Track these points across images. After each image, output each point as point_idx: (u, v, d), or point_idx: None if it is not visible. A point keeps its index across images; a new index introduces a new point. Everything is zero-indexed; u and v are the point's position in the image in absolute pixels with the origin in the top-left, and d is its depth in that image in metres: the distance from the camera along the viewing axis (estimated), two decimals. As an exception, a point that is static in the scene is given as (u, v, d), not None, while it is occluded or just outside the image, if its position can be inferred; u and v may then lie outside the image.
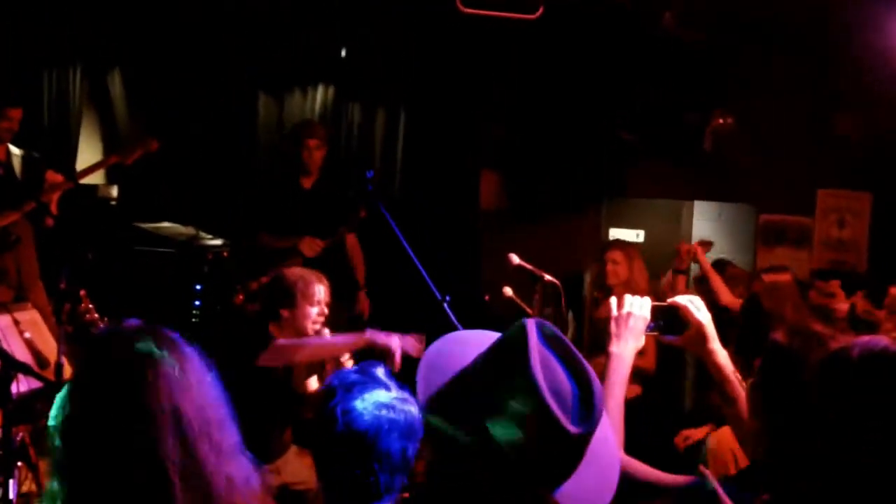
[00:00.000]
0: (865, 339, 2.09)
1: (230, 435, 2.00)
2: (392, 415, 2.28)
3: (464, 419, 2.01)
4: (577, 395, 1.99)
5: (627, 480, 2.38)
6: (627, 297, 2.79)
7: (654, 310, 2.81)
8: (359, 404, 2.28)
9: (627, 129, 8.47)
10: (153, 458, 1.86)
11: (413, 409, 2.32)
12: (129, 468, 1.87)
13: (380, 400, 2.29)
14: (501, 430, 1.95)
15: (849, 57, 7.49)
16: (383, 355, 4.46)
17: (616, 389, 2.71)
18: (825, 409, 2.06)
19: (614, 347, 2.73)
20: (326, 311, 4.95)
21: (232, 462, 1.97)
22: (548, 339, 2.04)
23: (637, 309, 2.75)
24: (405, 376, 2.36)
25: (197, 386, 1.96)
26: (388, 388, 2.34)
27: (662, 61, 7.97)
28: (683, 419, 6.45)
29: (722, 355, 2.85)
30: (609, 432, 2.16)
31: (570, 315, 7.01)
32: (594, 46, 8.03)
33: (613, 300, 2.81)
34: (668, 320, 2.86)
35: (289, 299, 4.86)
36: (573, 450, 1.99)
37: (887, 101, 7.66)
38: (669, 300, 2.90)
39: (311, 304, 4.89)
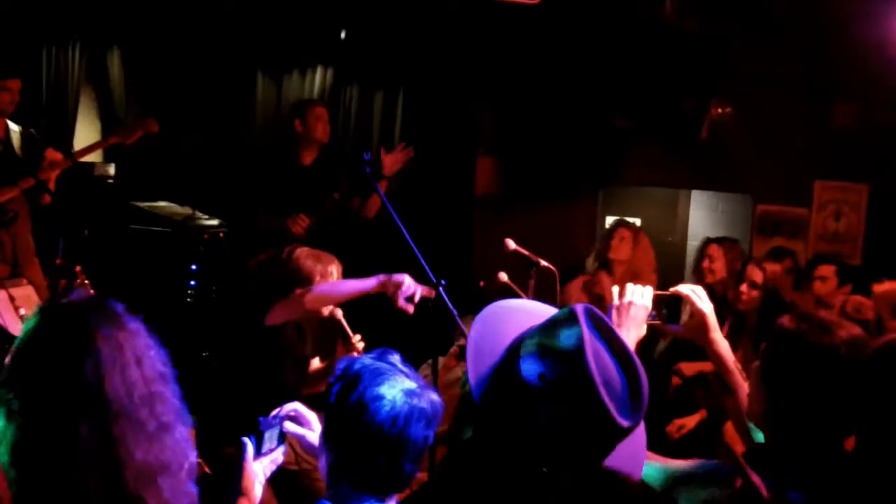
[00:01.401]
0: None
1: (163, 415, 1.98)
2: (420, 403, 2.28)
3: (513, 403, 2.01)
4: (626, 387, 1.99)
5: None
6: (629, 286, 2.78)
7: (657, 299, 2.80)
8: (386, 391, 2.27)
9: (625, 116, 8.47)
10: (62, 432, 1.88)
11: (435, 397, 2.32)
12: (39, 439, 1.88)
13: (407, 387, 2.29)
14: (551, 417, 1.95)
15: (847, 48, 7.48)
16: (395, 299, 4.42)
17: None
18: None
19: None
20: None
21: (155, 444, 1.96)
22: (597, 328, 2.04)
23: (639, 298, 2.74)
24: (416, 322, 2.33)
25: (131, 363, 1.96)
26: (409, 377, 2.34)
27: (660, 49, 7.95)
28: (666, 407, 6.45)
29: (723, 345, 2.87)
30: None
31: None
32: (593, 33, 8.01)
33: (615, 288, 2.80)
34: (669, 309, 2.87)
35: (305, 279, 4.80)
36: (620, 438, 2.00)
37: (885, 92, 7.67)
38: (672, 289, 2.91)
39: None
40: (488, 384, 2.07)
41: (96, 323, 1.95)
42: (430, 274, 4.27)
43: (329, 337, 5.10)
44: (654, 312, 2.78)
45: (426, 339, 4.43)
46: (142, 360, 1.97)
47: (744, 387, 2.82)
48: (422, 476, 3.50)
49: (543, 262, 5.20)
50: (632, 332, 2.69)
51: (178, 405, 2.02)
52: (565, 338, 2.00)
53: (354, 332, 4.84)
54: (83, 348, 1.91)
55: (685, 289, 2.89)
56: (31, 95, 7.37)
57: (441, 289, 4.25)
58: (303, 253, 4.93)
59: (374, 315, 5.18)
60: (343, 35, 8.51)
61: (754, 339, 5.86)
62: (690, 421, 6.14)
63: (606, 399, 1.93)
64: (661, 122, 8.28)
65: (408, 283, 4.39)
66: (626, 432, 1.99)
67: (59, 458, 1.87)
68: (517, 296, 5.20)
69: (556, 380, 1.98)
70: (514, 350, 2.10)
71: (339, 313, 4.79)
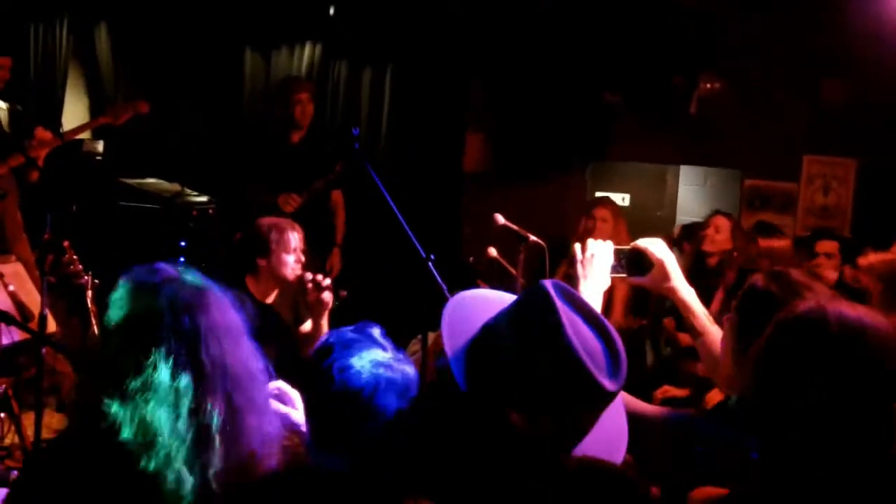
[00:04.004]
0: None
1: (263, 390, 2.02)
2: (389, 373, 2.29)
3: (492, 381, 2.02)
4: (606, 352, 2.01)
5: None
6: (590, 241, 2.87)
7: (618, 253, 2.90)
8: (356, 362, 2.29)
9: (614, 91, 8.46)
10: (198, 411, 1.91)
11: (409, 369, 2.33)
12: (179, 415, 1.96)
13: (377, 358, 2.31)
14: (531, 391, 1.97)
15: (835, 23, 7.48)
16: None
17: None
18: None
19: (582, 289, 2.79)
20: (303, 258, 4.94)
21: (264, 416, 2.00)
22: (568, 300, 2.06)
23: (600, 252, 2.83)
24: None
25: (238, 339, 2.00)
26: (384, 349, 2.35)
27: (650, 24, 7.95)
28: (647, 376, 6.48)
29: (686, 291, 2.96)
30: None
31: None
32: (581, 8, 8.00)
33: (577, 246, 2.86)
34: (631, 262, 2.96)
35: (264, 248, 4.85)
36: (608, 402, 2.02)
37: (873, 67, 7.67)
38: (631, 244, 3.00)
39: (287, 252, 4.86)
40: (466, 362, 2.08)
41: (204, 302, 2.07)
42: (420, 249, 4.28)
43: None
44: (617, 265, 2.89)
45: (416, 314, 4.45)
46: (243, 337, 2.09)
47: (710, 331, 2.94)
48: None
49: (532, 238, 5.19)
50: (598, 284, 2.80)
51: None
52: (539, 312, 2.02)
53: (343, 308, 4.85)
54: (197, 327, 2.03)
55: (643, 242, 2.97)
56: (20, 73, 7.35)
57: (430, 264, 4.26)
58: (261, 222, 4.96)
59: (365, 291, 5.19)
60: (332, 11, 8.48)
61: (727, 296, 5.90)
62: (678, 391, 6.17)
63: (590, 365, 1.94)
64: (650, 97, 8.29)
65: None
66: (612, 395, 2.01)
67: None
68: (506, 271, 5.22)
69: (536, 353, 1.99)
70: (490, 328, 2.11)
71: (308, 276, 4.80)
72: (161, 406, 1.97)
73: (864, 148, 8.20)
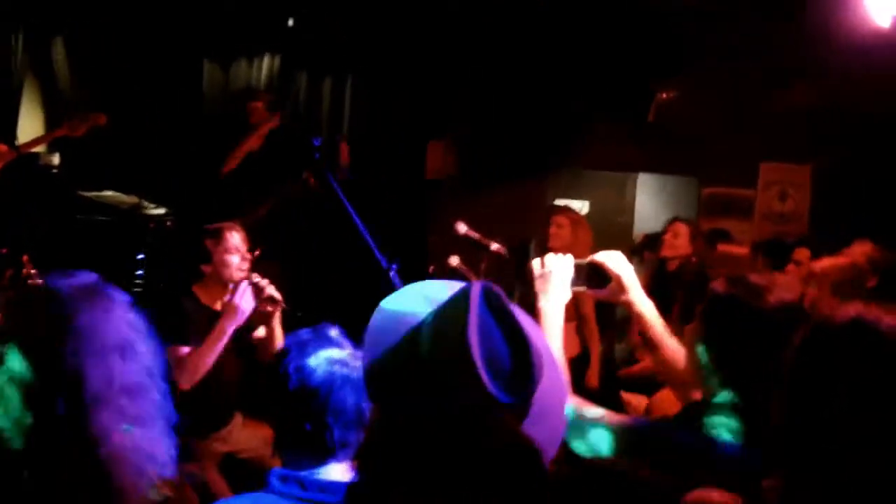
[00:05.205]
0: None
1: (145, 404, 2.00)
2: (345, 370, 2.33)
3: (405, 388, 2.01)
4: (512, 364, 1.98)
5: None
6: (549, 256, 2.92)
7: (577, 267, 2.96)
8: (311, 361, 2.33)
9: (575, 99, 8.50)
10: (42, 405, 1.91)
11: None
12: (29, 404, 1.93)
13: (332, 356, 2.33)
14: (434, 400, 1.95)
15: (791, 31, 7.55)
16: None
17: (552, 342, 2.77)
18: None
19: (543, 303, 2.80)
20: (248, 256, 4.86)
21: (137, 432, 1.98)
22: (491, 305, 2.04)
23: (559, 266, 2.88)
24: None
25: (114, 352, 1.98)
26: (341, 347, 2.38)
27: (612, 32, 7.99)
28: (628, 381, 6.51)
29: (643, 303, 3.00)
30: (561, 387, 2.17)
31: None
32: (543, 16, 8.03)
33: (536, 260, 2.89)
34: (591, 276, 3.00)
35: (204, 254, 4.80)
36: (509, 418, 1.99)
37: (829, 74, 7.75)
38: (589, 258, 3.03)
39: (229, 252, 4.80)
40: (383, 363, 2.07)
41: (81, 309, 1.99)
42: (382, 259, 4.28)
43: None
44: (578, 279, 2.95)
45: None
46: (126, 352, 1.99)
47: (666, 343, 2.97)
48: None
49: (494, 246, 5.22)
50: (559, 298, 2.86)
51: (161, 400, 2.05)
52: (456, 314, 2.01)
53: (308, 315, 4.81)
54: (63, 331, 1.96)
55: (601, 256, 3.01)
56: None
57: (393, 273, 4.26)
58: (200, 229, 4.93)
59: (328, 299, 5.17)
60: (290, 22, 8.46)
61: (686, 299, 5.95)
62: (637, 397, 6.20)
63: (482, 370, 1.91)
64: (611, 105, 8.34)
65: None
66: (513, 409, 1.98)
67: (41, 428, 1.93)
68: (468, 280, 5.22)
69: (437, 351, 1.98)
70: (413, 329, 2.10)
71: (252, 280, 4.75)
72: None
73: (820, 153, 8.28)
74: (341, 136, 7.76)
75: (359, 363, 2.32)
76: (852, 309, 1.85)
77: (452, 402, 1.91)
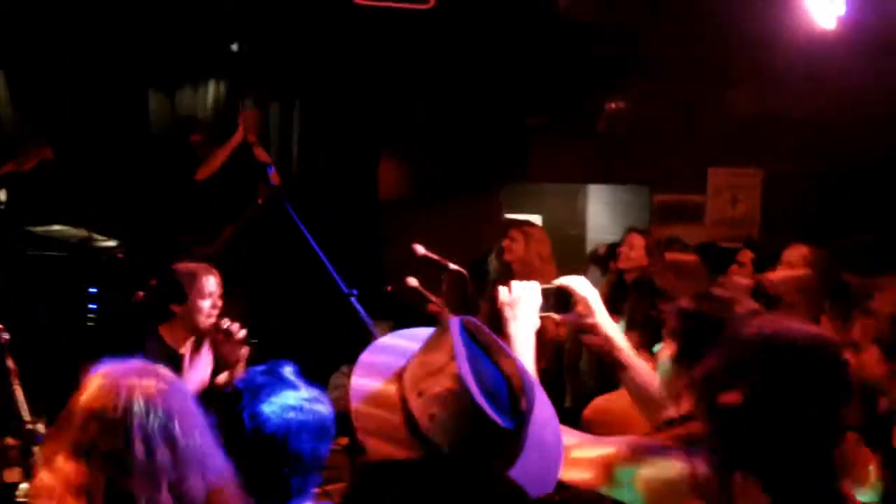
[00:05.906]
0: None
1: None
2: (301, 416, 2.30)
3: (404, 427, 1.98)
4: (506, 391, 1.97)
5: None
6: (515, 282, 2.88)
7: (545, 292, 2.91)
8: (266, 408, 2.29)
9: (524, 113, 8.53)
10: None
11: (323, 409, 2.32)
12: None
13: (287, 402, 2.30)
14: (439, 433, 1.93)
15: (738, 36, 7.61)
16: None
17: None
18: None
19: (513, 329, 2.79)
20: (220, 303, 4.78)
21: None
22: (472, 335, 2.03)
23: (526, 292, 2.84)
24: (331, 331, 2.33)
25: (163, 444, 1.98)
26: (296, 389, 2.35)
27: (555, 44, 8.02)
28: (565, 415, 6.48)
29: (609, 326, 2.98)
30: (551, 414, 2.16)
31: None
32: (490, 31, 8.05)
33: (503, 289, 2.87)
34: (557, 301, 2.97)
35: (179, 294, 4.70)
36: (510, 443, 1.98)
37: (774, 78, 7.83)
38: (555, 282, 3.01)
39: (203, 298, 4.70)
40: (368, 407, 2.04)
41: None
42: (342, 284, 4.25)
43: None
44: (546, 304, 2.90)
45: (341, 347, 4.42)
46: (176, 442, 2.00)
47: (634, 364, 2.98)
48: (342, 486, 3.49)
49: (453, 266, 5.20)
50: (528, 323, 2.80)
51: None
52: (440, 350, 1.99)
53: (267, 345, 4.74)
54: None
55: (566, 280, 3.00)
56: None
57: (353, 299, 4.24)
58: (178, 267, 4.82)
59: (289, 326, 5.12)
60: (235, 48, 8.42)
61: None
62: None
63: (483, 404, 1.91)
64: (560, 117, 8.37)
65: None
66: (513, 434, 1.97)
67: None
68: (427, 299, 5.20)
69: (438, 395, 1.96)
70: (398, 373, 2.07)
71: (223, 324, 4.66)
72: None
73: (770, 158, 8.36)
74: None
75: (315, 406, 2.30)
76: (757, 322, 2.13)
77: (458, 435, 1.90)
